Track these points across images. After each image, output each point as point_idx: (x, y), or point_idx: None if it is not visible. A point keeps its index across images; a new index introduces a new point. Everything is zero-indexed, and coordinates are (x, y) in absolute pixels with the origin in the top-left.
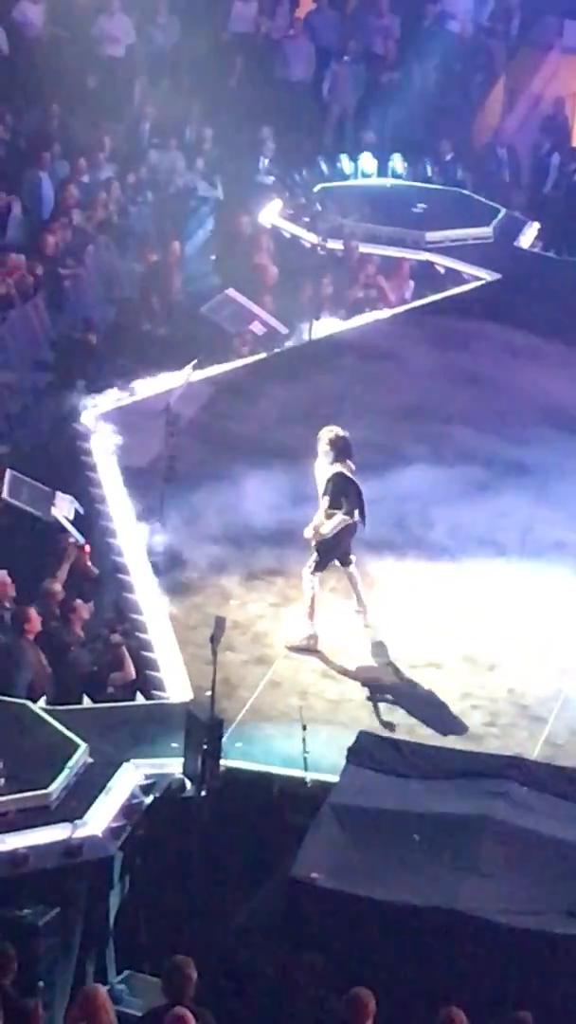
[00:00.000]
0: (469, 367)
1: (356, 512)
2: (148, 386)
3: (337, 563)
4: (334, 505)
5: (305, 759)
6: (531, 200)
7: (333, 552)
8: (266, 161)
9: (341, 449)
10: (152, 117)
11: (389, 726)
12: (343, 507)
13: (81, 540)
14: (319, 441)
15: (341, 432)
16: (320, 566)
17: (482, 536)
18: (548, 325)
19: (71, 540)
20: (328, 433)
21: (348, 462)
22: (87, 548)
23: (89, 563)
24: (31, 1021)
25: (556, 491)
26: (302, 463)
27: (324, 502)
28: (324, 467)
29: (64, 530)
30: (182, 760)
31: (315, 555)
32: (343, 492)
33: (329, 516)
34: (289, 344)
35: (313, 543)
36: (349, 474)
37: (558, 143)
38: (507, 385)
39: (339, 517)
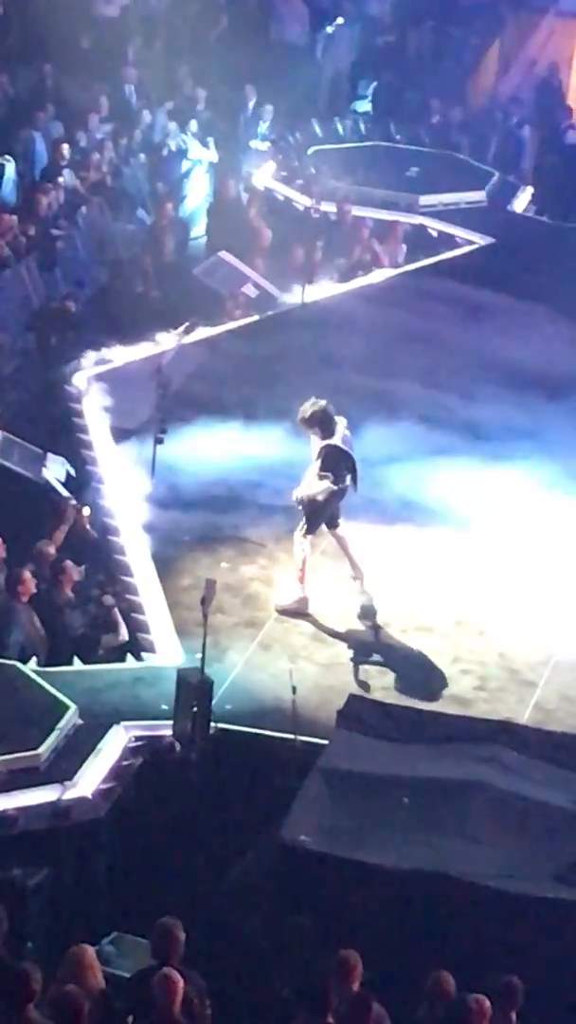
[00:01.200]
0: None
1: (348, 477)
2: (140, 348)
3: (325, 527)
4: (323, 471)
5: (295, 721)
6: (525, 163)
7: (321, 515)
8: (264, 125)
9: (323, 420)
10: (146, 78)
11: (379, 690)
12: (331, 474)
13: (74, 501)
14: (301, 417)
15: (318, 403)
16: (311, 529)
17: (473, 499)
18: (535, 289)
19: (71, 503)
20: (308, 409)
21: (338, 429)
22: (86, 511)
23: (88, 526)
24: (27, 985)
25: (528, 453)
26: (293, 424)
27: (314, 466)
28: (316, 440)
29: (59, 493)
30: (172, 722)
31: (305, 518)
32: (335, 461)
33: (319, 481)
34: (282, 307)
35: (301, 507)
36: (342, 445)
37: (552, 107)
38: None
39: (327, 483)
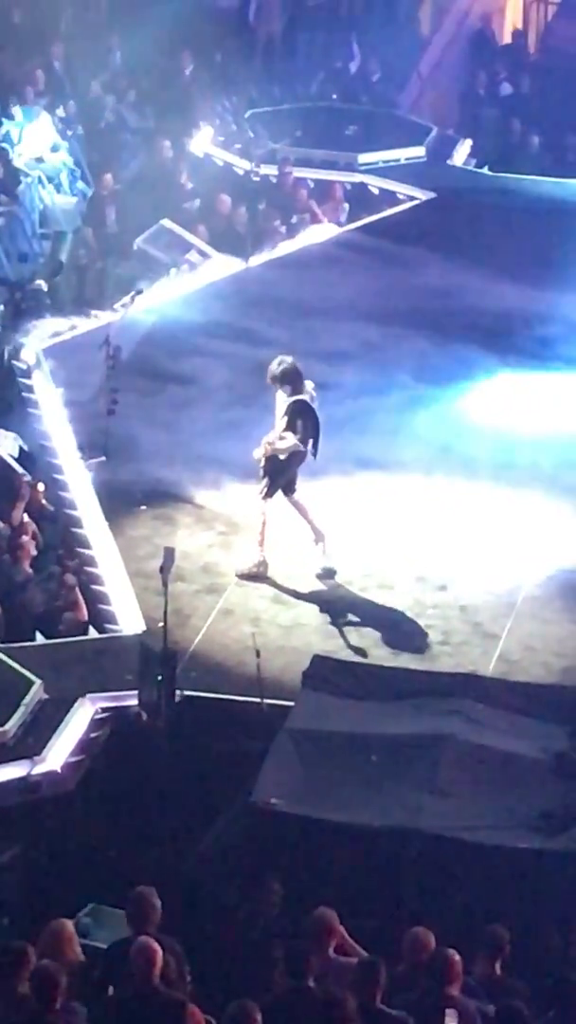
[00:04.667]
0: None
1: (310, 442)
2: (87, 320)
3: (281, 492)
4: (290, 428)
5: (260, 685)
6: (462, 116)
7: (281, 477)
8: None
9: (292, 377)
10: (79, 50)
11: (343, 649)
12: (298, 432)
13: (30, 478)
14: (271, 374)
15: (288, 361)
16: (270, 492)
17: (426, 449)
18: (475, 242)
19: (25, 479)
20: (278, 366)
21: (306, 388)
22: (41, 486)
23: (44, 501)
24: (22, 962)
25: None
26: (245, 390)
27: (280, 424)
28: (283, 396)
29: (14, 469)
30: (137, 692)
31: (265, 479)
32: (300, 417)
33: (282, 439)
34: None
35: (261, 464)
36: (310, 402)
37: (487, 58)
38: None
39: (293, 440)
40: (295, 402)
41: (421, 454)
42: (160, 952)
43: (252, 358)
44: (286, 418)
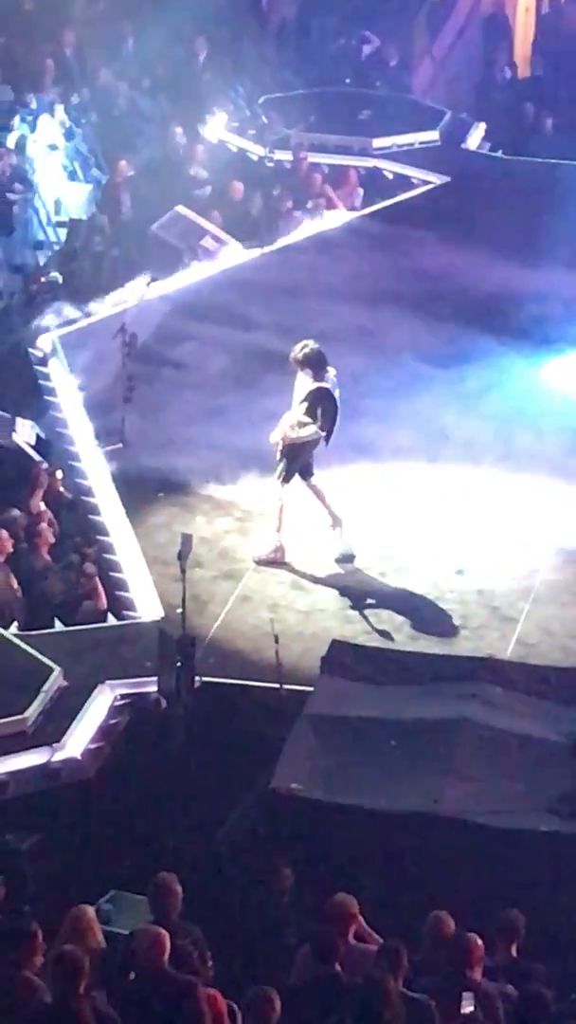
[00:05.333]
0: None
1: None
2: (103, 307)
3: (298, 476)
4: (309, 414)
5: (279, 670)
6: (477, 100)
7: (298, 461)
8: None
9: (316, 362)
10: (92, 37)
11: (361, 634)
12: (317, 419)
13: (48, 466)
14: (294, 356)
15: (313, 345)
16: (288, 477)
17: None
18: (490, 226)
19: (44, 467)
20: (302, 349)
21: (328, 374)
22: (59, 474)
23: (62, 488)
24: (31, 943)
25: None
26: (261, 378)
27: (298, 409)
28: (306, 382)
29: (31, 457)
30: (156, 679)
31: (282, 464)
32: (321, 405)
33: (302, 424)
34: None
35: (279, 449)
36: (331, 390)
37: (499, 43)
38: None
39: (312, 427)
40: (317, 389)
41: (427, 438)
42: (167, 936)
43: (268, 343)
44: (306, 403)
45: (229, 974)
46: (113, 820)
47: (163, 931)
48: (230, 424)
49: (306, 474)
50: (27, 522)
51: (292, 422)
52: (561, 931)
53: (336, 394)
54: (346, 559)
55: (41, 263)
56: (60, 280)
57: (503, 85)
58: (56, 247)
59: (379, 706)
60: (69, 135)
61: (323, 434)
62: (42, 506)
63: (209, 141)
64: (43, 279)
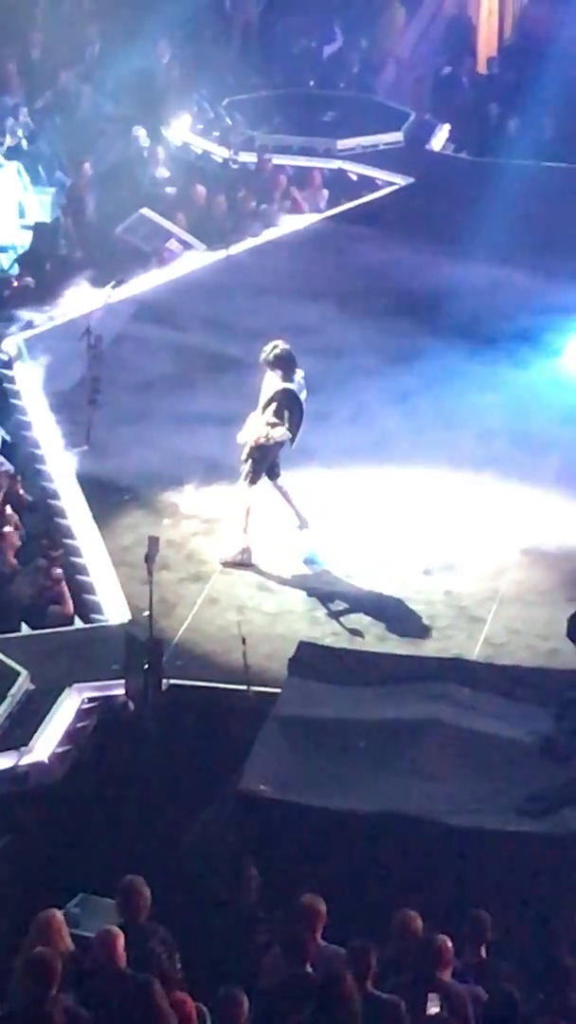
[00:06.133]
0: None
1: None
2: (68, 310)
3: (265, 477)
4: (277, 416)
5: (247, 672)
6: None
7: (264, 463)
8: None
9: (286, 362)
10: (55, 40)
11: (329, 635)
12: (284, 422)
13: (11, 468)
14: (264, 357)
15: (284, 345)
16: (254, 478)
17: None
18: (452, 227)
19: (2, 470)
20: (273, 349)
21: (296, 376)
22: (18, 477)
23: (21, 491)
24: None
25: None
26: (227, 377)
27: (266, 412)
28: (274, 381)
29: None
30: (124, 681)
31: (248, 464)
32: (288, 408)
33: (271, 425)
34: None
35: (246, 451)
36: (297, 392)
37: (463, 43)
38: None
39: (282, 429)
40: (284, 390)
41: (394, 437)
42: (120, 935)
43: (233, 345)
44: (274, 404)
45: (198, 976)
46: (81, 823)
47: (117, 930)
48: (192, 426)
49: (273, 475)
50: None
51: (261, 423)
52: (529, 931)
53: (303, 396)
54: (313, 561)
55: (5, 267)
56: (25, 280)
57: (467, 86)
58: (21, 250)
59: (347, 707)
60: (32, 138)
61: (290, 436)
62: (7, 509)
63: (173, 143)
64: (16, 283)
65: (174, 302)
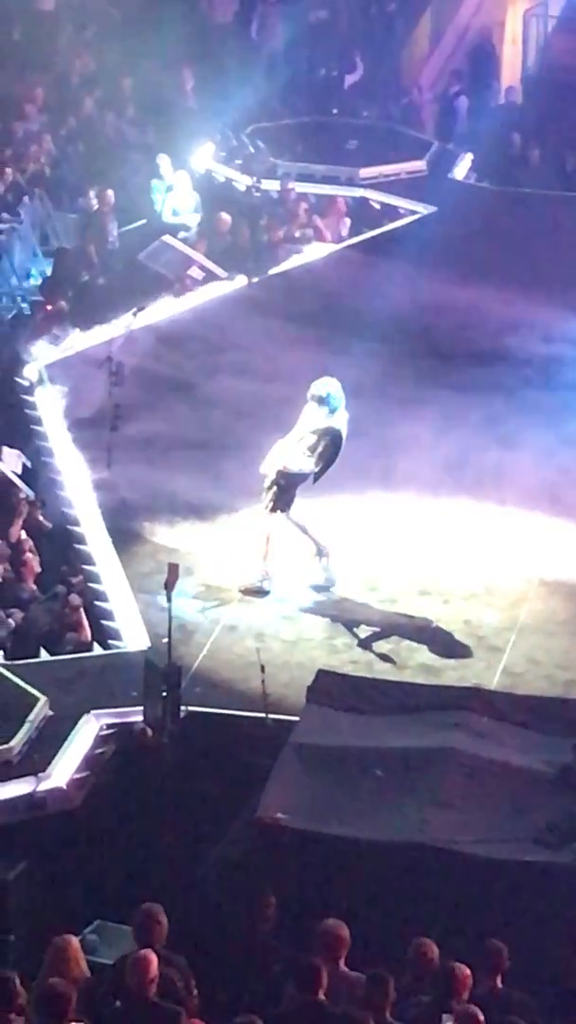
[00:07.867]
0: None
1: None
2: (90, 336)
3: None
4: (312, 451)
5: (265, 700)
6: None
7: (289, 491)
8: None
9: (333, 401)
10: (79, 66)
11: (348, 664)
12: (316, 458)
13: (31, 495)
14: (314, 392)
15: (333, 382)
16: (277, 506)
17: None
18: (474, 255)
19: (22, 496)
20: (322, 387)
21: (342, 416)
22: (38, 504)
23: (41, 517)
24: (10, 994)
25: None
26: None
27: (302, 442)
28: (318, 417)
29: (13, 485)
30: (142, 708)
31: (272, 492)
32: (326, 445)
33: (303, 456)
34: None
35: (271, 478)
36: (341, 434)
37: (486, 73)
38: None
39: (311, 462)
40: (329, 428)
41: (415, 468)
42: (155, 963)
43: (255, 374)
44: (314, 436)
45: (214, 1004)
46: (98, 850)
47: (150, 953)
48: (217, 455)
49: (287, 507)
50: (11, 551)
51: (292, 452)
52: (545, 961)
53: (343, 436)
54: (331, 588)
55: (28, 292)
56: (47, 306)
57: (490, 116)
58: (43, 276)
59: (365, 736)
60: (56, 165)
61: (316, 471)
62: (23, 535)
63: (196, 171)
64: (49, 307)
65: (192, 329)
